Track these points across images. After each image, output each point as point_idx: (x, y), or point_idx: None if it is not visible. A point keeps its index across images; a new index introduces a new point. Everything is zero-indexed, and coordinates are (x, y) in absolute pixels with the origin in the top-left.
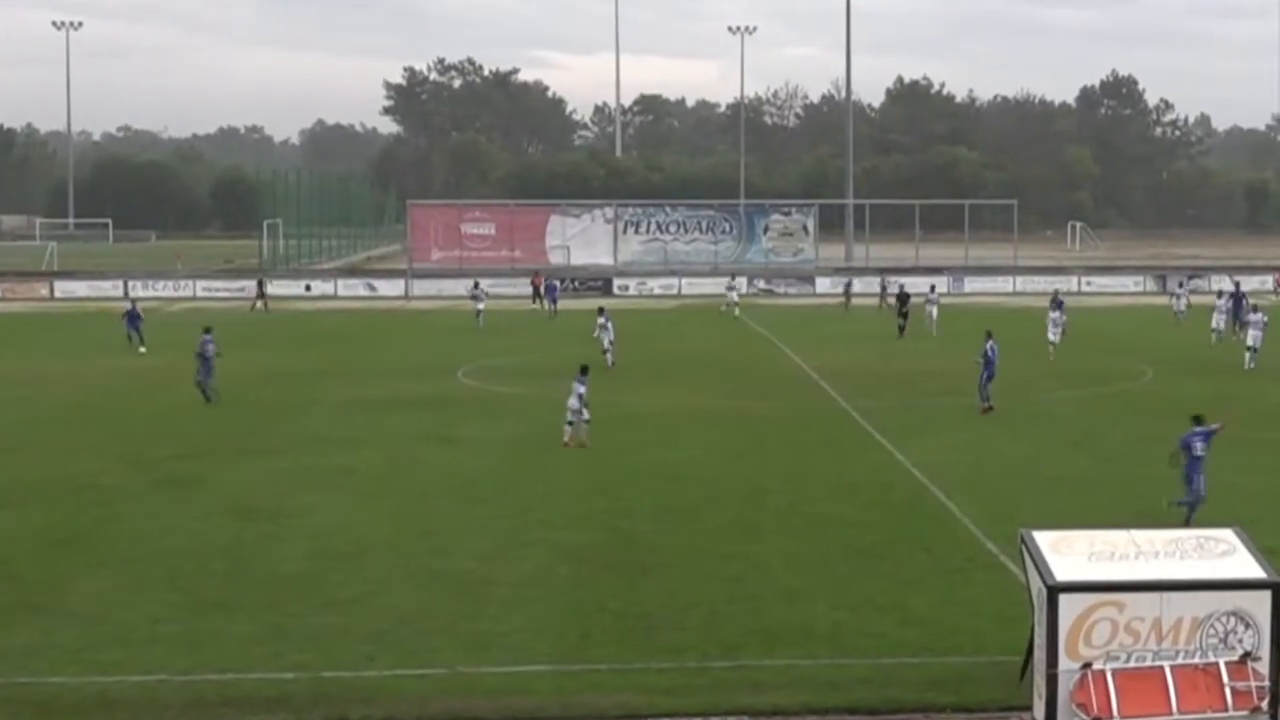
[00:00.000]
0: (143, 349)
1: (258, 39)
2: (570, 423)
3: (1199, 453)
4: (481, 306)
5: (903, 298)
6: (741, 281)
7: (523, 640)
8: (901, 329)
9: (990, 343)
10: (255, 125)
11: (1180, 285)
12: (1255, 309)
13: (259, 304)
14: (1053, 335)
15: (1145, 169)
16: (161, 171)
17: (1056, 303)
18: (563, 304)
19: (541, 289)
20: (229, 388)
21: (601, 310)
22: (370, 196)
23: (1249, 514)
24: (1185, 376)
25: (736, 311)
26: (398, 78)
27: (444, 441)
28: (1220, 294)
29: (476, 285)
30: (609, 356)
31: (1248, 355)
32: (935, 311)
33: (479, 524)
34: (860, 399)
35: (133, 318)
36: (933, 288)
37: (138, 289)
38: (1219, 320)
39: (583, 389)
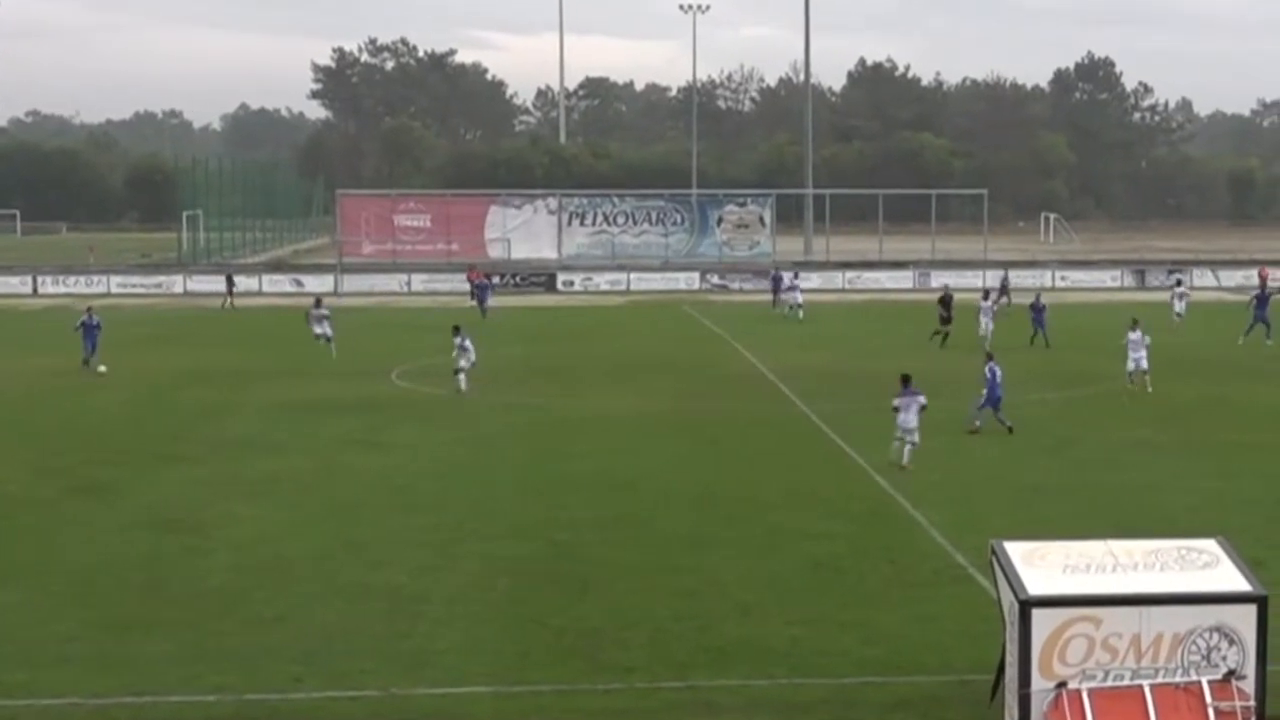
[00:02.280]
0: (102, 368)
1: (176, 17)
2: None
3: None
4: (320, 330)
5: (945, 300)
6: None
7: (459, 660)
8: (944, 338)
9: (990, 364)
10: (174, 110)
11: (1178, 284)
12: (1135, 324)
13: (228, 301)
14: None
15: (1123, 157)
16: (73, 159)
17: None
18: (506, 301)
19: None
20: (146, 389)
21: (457, 330)
22: (297, 186)
23: (1234, 523)
24: (1166, 378)
25: (800, 314)
26: (326, 59)
27: (375, 447)
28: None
29: (319, 303)
30: (332, 346)
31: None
32: (989, 322)
33: (412, 535)
34: (820, 401)
35: (90, 329)
36: (987, 294)
37: (48, 284)
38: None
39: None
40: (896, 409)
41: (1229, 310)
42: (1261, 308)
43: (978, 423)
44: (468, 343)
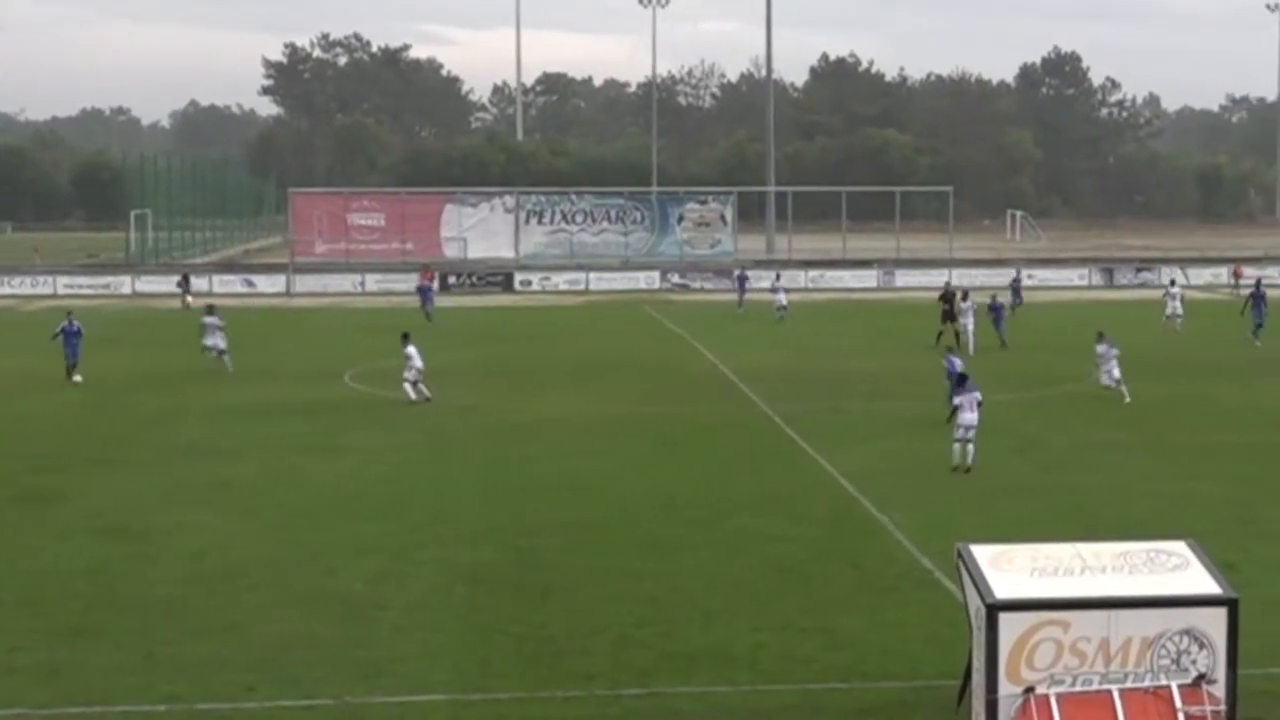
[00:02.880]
0: (78, 377)
1: (124, 12)
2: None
3: None
4: (210, 342)
5: (948, 296)
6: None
7: (416, 668)
8: (950, 336)
9: (950, 357)
10: (121, 107)
11: (1172, 284)
12: (1101, 336)
13: (188, 299)
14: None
15: (1090, 153)
16: (18, 157)
17: (963, 294)
18: (462, 301)
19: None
20: (92, 392)
21: (211, 309)
22: (248, 184)
23: (1204, 525)
24: (1134, 377)
25: (781, 315)
26: (278, 55)
27: (329, 451)
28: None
29: (211, 310)
30: (227, 359)
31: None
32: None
33: (368, 542)
34: (783, 403)
35: (70, 335)
36: (965, 294)
37: None
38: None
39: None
40: (958, 407)
41: (1200, 309)
42: (1260, 306)
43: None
44: (411, 349)
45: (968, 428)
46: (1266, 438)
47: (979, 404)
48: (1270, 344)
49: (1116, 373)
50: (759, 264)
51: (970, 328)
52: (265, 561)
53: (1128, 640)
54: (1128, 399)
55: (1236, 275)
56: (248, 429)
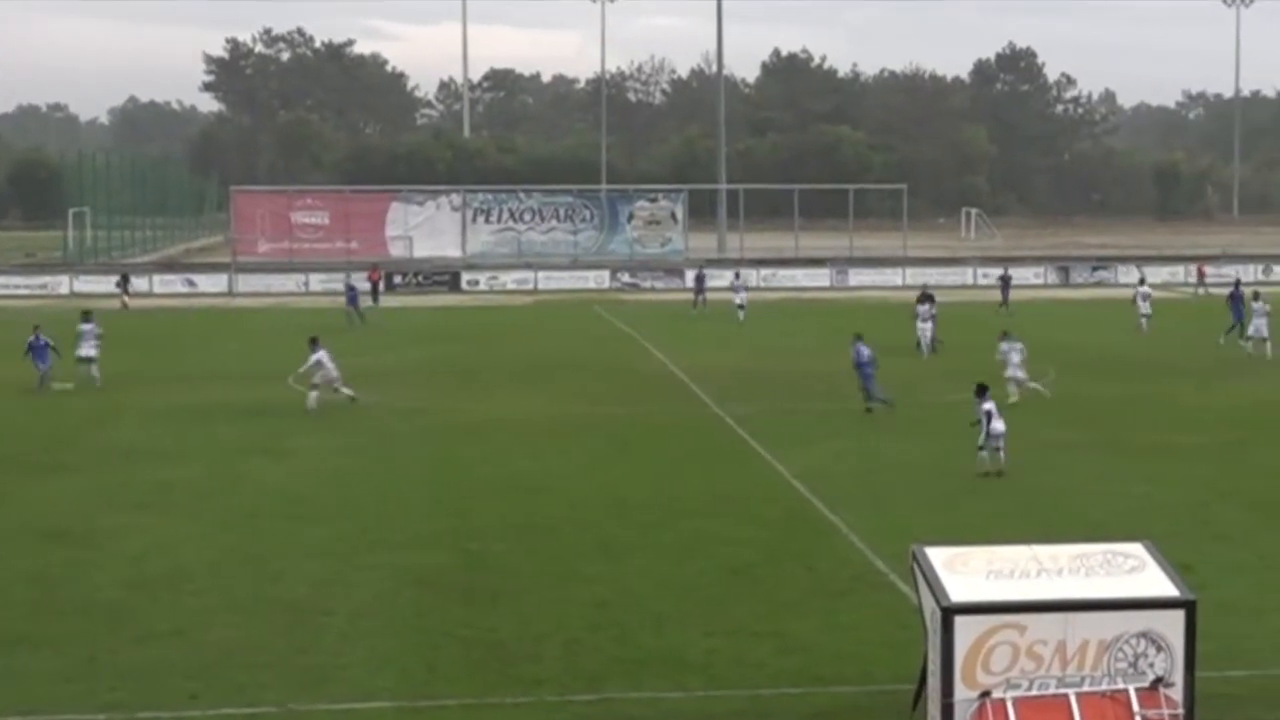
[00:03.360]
0: (68, 385)
1: (61, 7)
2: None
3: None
4: (85, 352)
5: (925, 298)
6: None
7: (362, 674)
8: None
9: (858, 344)
10: (58, 103)
11: (1141, 282)
12: (1005, 334)
13: (126, 300)
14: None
15: (1046, 150)
16: None
17: (927, 297)
18: (408, 301)
19: (377, 287)
20: (29, 395)
21: (88, 315)
22: (189, 182)
23: (1161, 526)
24: (1091, 377)
25: (741, 315)
26: (219, 50)
27: (273, 454)
28: (1256, 295)
29: (87, 316)
30: (95, 369)
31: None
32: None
33: (313, 546)
34: (735, 403)
35: (39, 349)
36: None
37: None
38: (1261, 327)
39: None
40: (988, 415)
41: (1160, 308)
42: (1238, 306)
43: (871, 402)
44: (321, 356)
45: (1000, 436)
46: (1224, 438)
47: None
48: (1232, 345)
49: (1018, 373)
50: (710, 263)
51: (929, 331)
52: (209, 566)
53: (1084, 643)
54: (1013, 399)
55: (1200, 274)
56: (190, 431)
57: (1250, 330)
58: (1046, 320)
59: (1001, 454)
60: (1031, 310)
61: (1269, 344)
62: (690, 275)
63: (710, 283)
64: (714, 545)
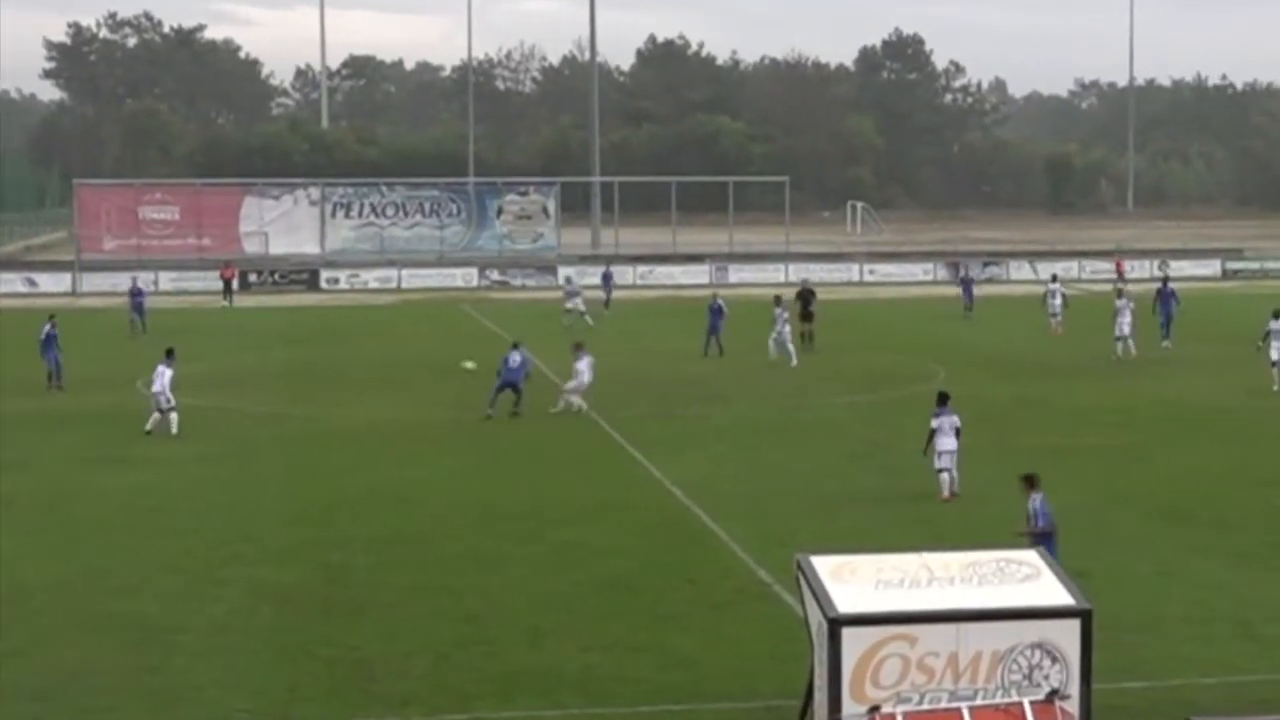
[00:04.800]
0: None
1: None
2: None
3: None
4: None
5: (805, 295)
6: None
7: (218, 694)
8: (808, 339)
9: (513, 353)
10: None
11: (1054, 279)
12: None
13: None
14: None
15: (934, 141)
16: None
17: (778, 300)
18: (264, 301)
19: (231, 285)
20: None
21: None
22: (29, 175)
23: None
24: (982, 377)
25: (588, 320)
26: (60, 35)
27: (120, 463)
28: (1120, 293)
29: None
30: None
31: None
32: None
33: (165, 560)
34: (611, 408)
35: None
36: (778, 299)
37: None
38: (1124, 325)
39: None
40: (935, 431)
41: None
42: (1167, 304)
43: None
44: (163, 367)
45: (943, 454)
46: (1118, 439)
47: (958, 431)
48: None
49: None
50: (584, 259)
51: (786, 333)
52: (52, 582)
53: (978, 655)
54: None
55: (1119, 270)
56: (30, 440)
57: (1115, 330)
58: (936, 317)
59: (945, 476)
60: (920, 307)
61: (1131, 342)
62: (562, 274)
63: (582, 281)
64: (590, 556)
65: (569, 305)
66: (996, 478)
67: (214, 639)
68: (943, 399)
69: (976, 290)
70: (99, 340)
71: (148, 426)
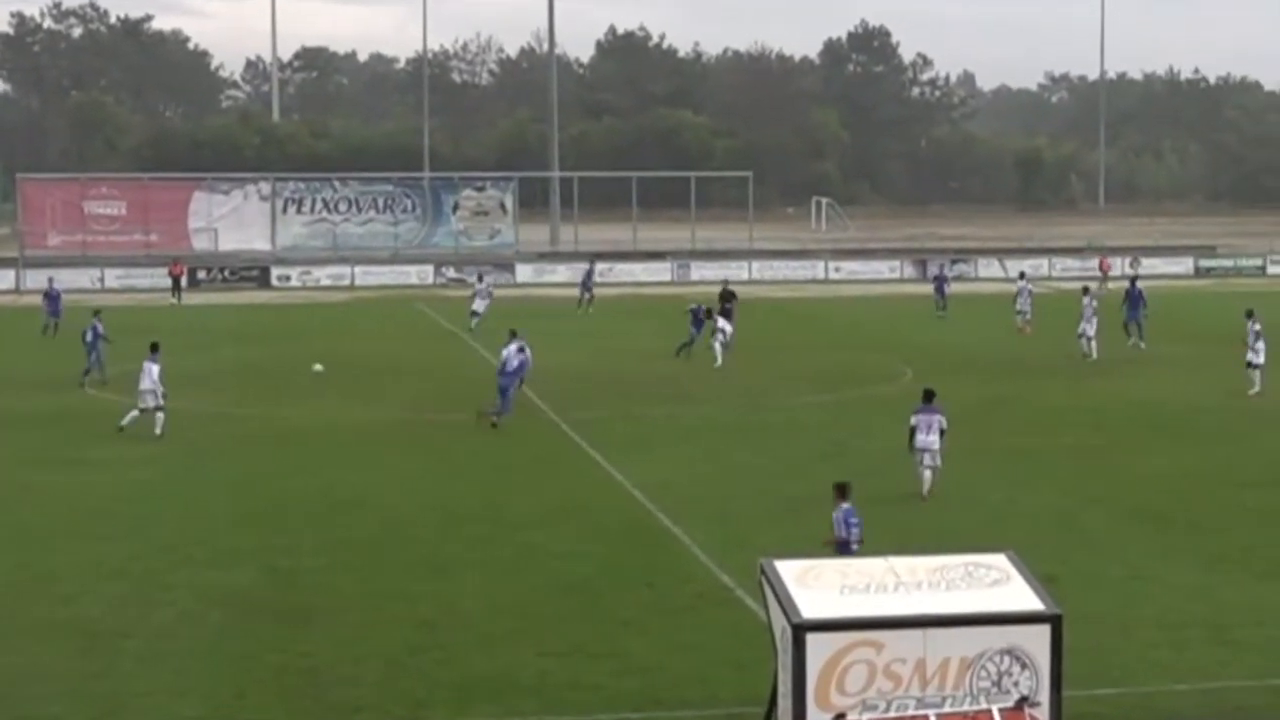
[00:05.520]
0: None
1: None
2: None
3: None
4: None
5: (725, 296)
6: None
7: (164, 701)
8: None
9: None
10: None
11: (1021, 277)
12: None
13: None
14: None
15: (901, 135)
16: None
17: (714, 309)
18: (213, 299)
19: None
20: None
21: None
22: None
23: (1024, 535)
24: (949, 376)
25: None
26: (3, 25)
27: (66, 465)
28: (1086, 290)
29: None
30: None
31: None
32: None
33: (109, 564)
34: (571, 409)
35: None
36: (701, 309)
37: None
38: (1088, 325)
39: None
40: (914, 428)
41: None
42: (1135, 307)
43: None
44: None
45: (923, 451)
46: (1089, 440)
47: (942, 431)
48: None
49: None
50: (542, 256)
51: (729, 329)
52: None
53: (945, 661)
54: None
55: (1103, 269)
56: None
57: (1079, 329)
58: (902, 316)
59: (927, 474)
60: (887, 305)
61: (1094, 343)
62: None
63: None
64: (547, 560)
65: (476, 307)
66: (967, 479)
67: (161, 644)
68: (928, 396)
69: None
70: (45, 340)
71: (123, 422)
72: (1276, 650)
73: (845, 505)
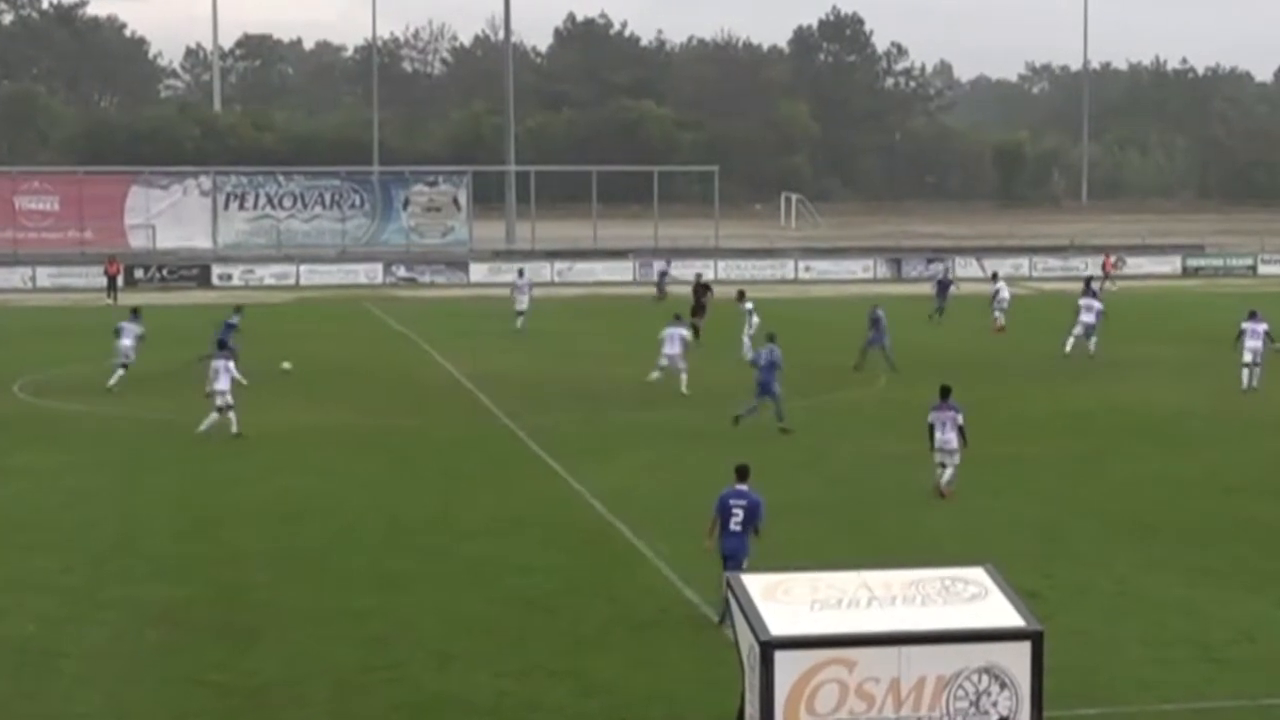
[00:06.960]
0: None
1: None
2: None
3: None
4: None
5: (701, 289)
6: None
7: None
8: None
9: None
10: None
11: (994, 277)
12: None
13: None
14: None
15: (874, 128)
16: None
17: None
18: (151, 299)
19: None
20: None
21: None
22: None
23: (1005, 547)
24: (926, 381)
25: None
26: None
27: None
28: (1088, 284)
29: None
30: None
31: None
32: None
33: (40, 579)
34: (528, 414)
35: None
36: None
37: None
38: (1085, 324)
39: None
40: (932, 426)
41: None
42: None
43: None
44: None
45: (946, 451)
46: (1073, 447)
47: (960, 428)
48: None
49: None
50: (498, 255)
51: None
52: None
53: (921, 680)
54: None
55: (1106, 269)
56: None
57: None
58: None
59: (948, 472)
60: (860, 306)
61: (1077, 342)
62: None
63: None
64: (504, 574)
65: (520, 306)
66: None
67: (96, 664)
68: (945, 393)
69: (916, 289)
70: None
71: (202, 427)
72: (1267, 668)
73: (739, 487)
